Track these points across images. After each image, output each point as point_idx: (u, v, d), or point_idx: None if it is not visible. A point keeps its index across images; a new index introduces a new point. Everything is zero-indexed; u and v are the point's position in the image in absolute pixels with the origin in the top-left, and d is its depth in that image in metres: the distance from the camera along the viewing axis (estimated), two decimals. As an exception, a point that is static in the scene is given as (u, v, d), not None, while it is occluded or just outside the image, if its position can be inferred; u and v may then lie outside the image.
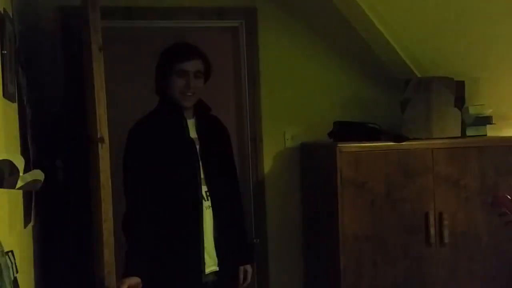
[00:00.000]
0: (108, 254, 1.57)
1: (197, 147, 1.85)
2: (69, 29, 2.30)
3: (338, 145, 2.12)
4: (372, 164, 2.14)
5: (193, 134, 1.87)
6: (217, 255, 1.84)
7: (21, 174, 1.03)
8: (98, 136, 1.55)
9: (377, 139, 2.22)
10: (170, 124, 1.85)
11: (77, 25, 1.99)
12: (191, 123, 1.88)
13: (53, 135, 2.23)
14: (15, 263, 1.19)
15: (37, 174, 1.07)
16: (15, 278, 1.20)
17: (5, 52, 1.33)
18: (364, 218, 2.14)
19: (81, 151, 1.97)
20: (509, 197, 1.57)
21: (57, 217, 2.17)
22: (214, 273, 1.85)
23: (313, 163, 2.44)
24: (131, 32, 2.53)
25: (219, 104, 2.16)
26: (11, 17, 1.53)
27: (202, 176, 1.84)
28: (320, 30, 2.54)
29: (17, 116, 1.52)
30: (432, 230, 2.18)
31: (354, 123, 2.33)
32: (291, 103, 2.54)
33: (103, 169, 1.56)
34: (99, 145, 1.55)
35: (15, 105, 1.50)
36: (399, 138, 2.20)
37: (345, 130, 2.29)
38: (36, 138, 1.83)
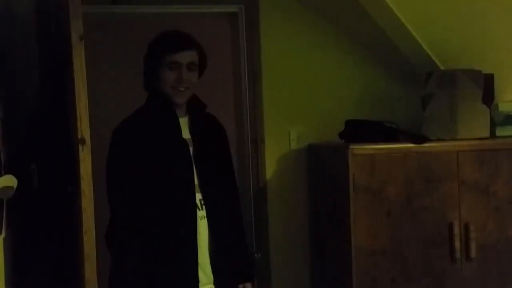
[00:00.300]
0: (90, 271, 1.56)
1: (191, 149, 1.85)
2: (46, 15, 2.29)
3: (351, 147, 2.12)
4: (389, 169, 2.14)
5: (186, 134, 1.86)
6: (213, 272, 1.84)
7: (-10, 179, 1.02)
8: (79, 137, 1.54)
9: (395, 140, 2.22)
10: (160, 123, 1.84)
11: (54, 11, 1.99)
12: (184, 122, 1.87)
13: (27, 135, 2.22)
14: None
15: (9, 180, 1.06)
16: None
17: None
18: (380, 229, 2.13)
19: (59, 153, 1.96)
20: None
21: (31, 229, 2.15)
22: (209, 292, 1.84)
23: (322, 168, 2.43)
24: (117, 20, 2.53)
25: (216, 100, 2.15)
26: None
27: (196, 182, 1.83)
28: (330, 17, 2.53)
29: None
30: (458, 244, 2.17)
31: (369, 122, 2.32)
32: (297, 99, 2.54)
33: (84, 174, 1.55)
34: (80, 147, 1.54)
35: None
36: (419, 139, 2.20)
37: (358, 130, 2.29)
38: (7, 139, 1.82)
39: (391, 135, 2.25)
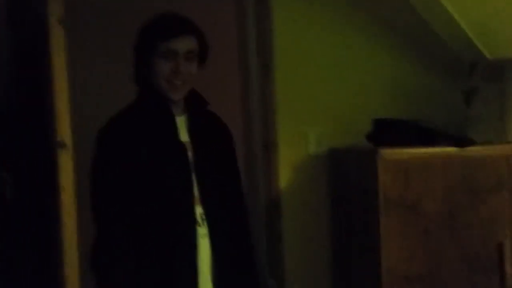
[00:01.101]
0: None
1: (189, 153, 1.85)
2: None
3: (380, 151, 2.12)
4: (426, 178, 2.13)
5: (184, 136, 1.87)
6: (217, 301, 1.84)
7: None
8: (57, 140, 1.55)
9: (433, 144, 2.21)
10: (153, 122, 1.85)
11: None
12: (181, 122, 1.88)
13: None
14: None
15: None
16: None
17: None
18: (416, 251, 2.12)
19: (36, 159, 1.97)
20: None
21: (4, 248, 2.17)
22: (213, 326, 1.84)
23: (345, 176, 2.42)
24: (105, 3, 2.54)
25: (220, 97, 2.16)
26: None
27: (195, 193, 1.83)
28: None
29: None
30: (509, 268, 2.16)
31: (401, 121, 2.32)
32: (316, 95, 2.54)
33: (65, 183, 1.56)
34: (58, 151, 1.55)
35: None
36: (462, 142, 2.19)
37: (389, 132, 2.29)
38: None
39: (428, 137, 2.24)
